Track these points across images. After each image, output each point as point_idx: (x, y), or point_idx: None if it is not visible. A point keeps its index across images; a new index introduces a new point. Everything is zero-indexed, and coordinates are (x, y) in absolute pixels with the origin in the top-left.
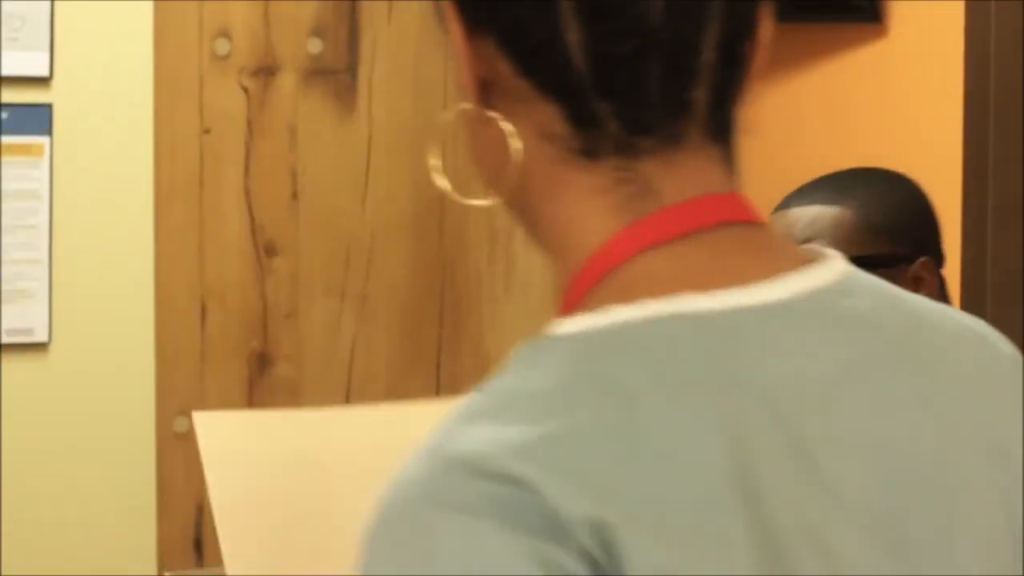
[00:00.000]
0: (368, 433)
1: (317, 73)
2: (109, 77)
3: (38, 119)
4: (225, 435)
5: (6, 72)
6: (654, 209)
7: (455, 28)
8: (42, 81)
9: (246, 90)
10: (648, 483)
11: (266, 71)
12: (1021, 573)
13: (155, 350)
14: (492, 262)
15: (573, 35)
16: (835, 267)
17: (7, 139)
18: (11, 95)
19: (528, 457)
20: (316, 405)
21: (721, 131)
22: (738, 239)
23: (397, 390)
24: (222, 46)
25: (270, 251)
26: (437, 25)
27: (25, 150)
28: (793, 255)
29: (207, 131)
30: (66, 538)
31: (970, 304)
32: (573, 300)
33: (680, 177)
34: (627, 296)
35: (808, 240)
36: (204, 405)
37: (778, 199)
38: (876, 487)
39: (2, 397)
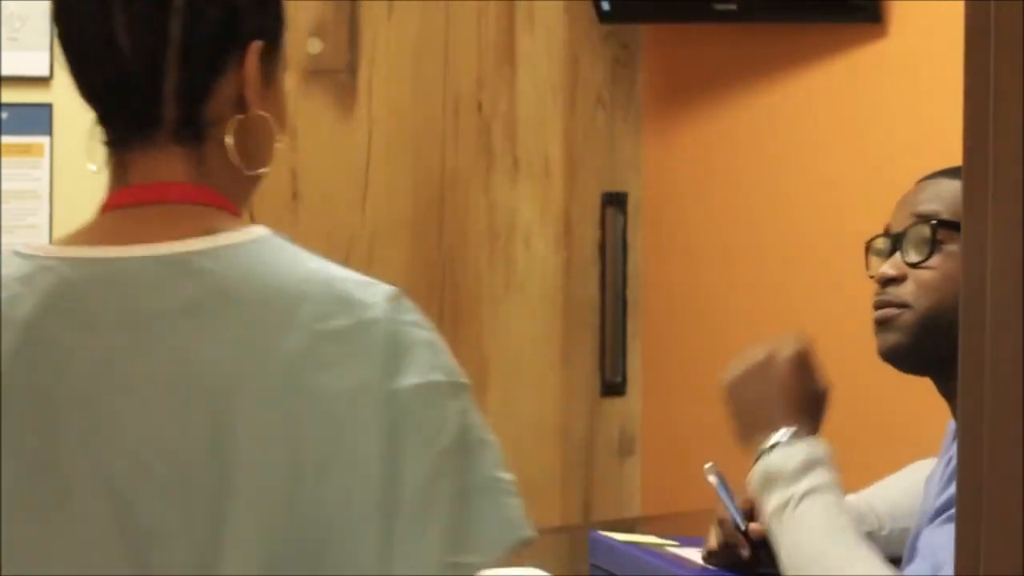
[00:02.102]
0: None
1: (317, 73)
2: None
3: (38, 119)
4: None
5: (6, 72)
6: (121, 186)
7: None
8: (42, 81)
9: None
10: None
11: None
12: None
13: None
14: (492, 262)
15: (71, 68)
16: (224, 239)
17: (7, 139)
18: (11, 95)
19: None
20: None
21: (188, 139)
22: (160, 213)
23: None
24: None
25: None
26: None
27: (25, 150)
28: (199, 228)
29: None
30: None
31: (970, 304)
32: None
33: (146, 167)
34: (64, 241)
35: (934, 207)
36: None
37: (779, 194)
38: (162, 386)
39: None
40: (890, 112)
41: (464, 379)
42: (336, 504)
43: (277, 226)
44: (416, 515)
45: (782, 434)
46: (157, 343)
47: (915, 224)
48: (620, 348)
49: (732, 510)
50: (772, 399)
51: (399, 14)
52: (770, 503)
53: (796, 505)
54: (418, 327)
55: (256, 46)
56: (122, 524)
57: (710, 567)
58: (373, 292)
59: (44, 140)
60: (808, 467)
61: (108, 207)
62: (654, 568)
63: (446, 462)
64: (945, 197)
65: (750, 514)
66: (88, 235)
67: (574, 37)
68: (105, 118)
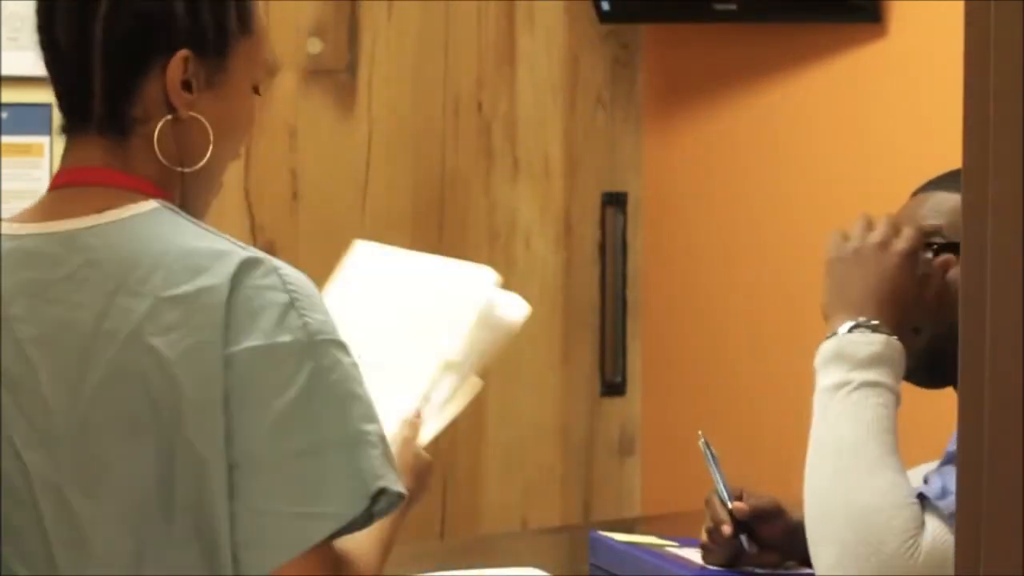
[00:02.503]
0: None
1: (317, 73)
2: None
3: (38, 119)
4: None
5: (6, 72)
6: (61, 169)
7: None
8: (42, 81)
9: None
10: None
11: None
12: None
13: None
14: (492, 262)
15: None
16: (109, 216)
17: (7, 139)
18: (11, 95)
19: None
20: None
21: (113, 132)
22: (74, 194)
23: None
24: None
25: (270, 251)
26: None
27: (25, 150)
28: (98, 207)
29: None
30: None
31: (970, 304)
32: None
33: (76, 154)
34: (11, 217)
35: (936, 222)
36: None
37: (779, 194)
38: (50, 340)
39: None
40: (890, 112)
41: (328, 336)
42: (184, 459)
43: (277, 226)
44: (257, 472)
45: (866, 321)
46: (45, 310)
47: None
48: (620, 348)
49: (718, 481)
50: (869, 286)
51: (399, 14)
52: (828, 378)
53: (854, 390)
54: (271, 290)
55: (181, 54)
56: (24, 477)
57: (710, 567)
58: (226, 260)
59: (44, 140)
60: (880, 361)
61: (49, 188)
62: (654, 568)
63: (289, 420)
64: (945, 214)
65: (739, 495)
66: (26, 213)
67: (574, 37)
68: (59, 107)
